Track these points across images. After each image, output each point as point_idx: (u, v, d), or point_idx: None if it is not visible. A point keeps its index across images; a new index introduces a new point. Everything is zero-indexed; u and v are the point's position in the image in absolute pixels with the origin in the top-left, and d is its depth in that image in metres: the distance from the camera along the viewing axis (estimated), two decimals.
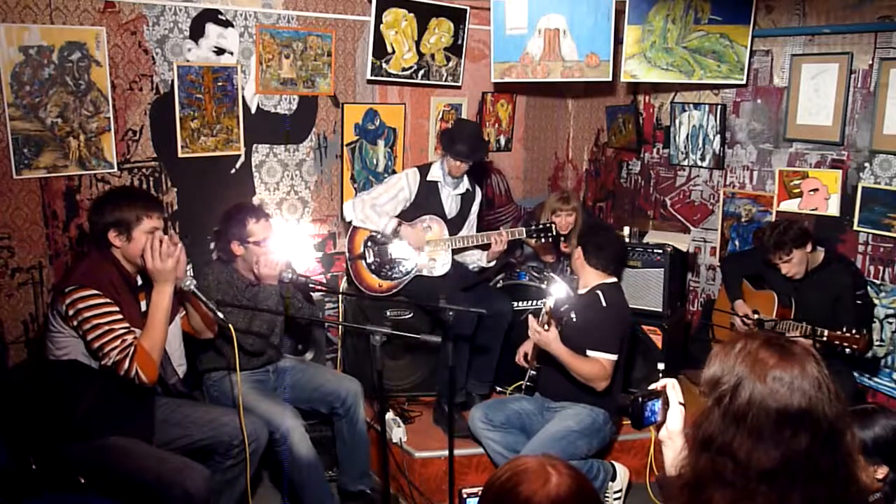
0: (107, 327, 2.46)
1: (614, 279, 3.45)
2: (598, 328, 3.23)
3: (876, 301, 3.71)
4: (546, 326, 3.15)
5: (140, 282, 2.70)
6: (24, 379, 2.81)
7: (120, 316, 2.51)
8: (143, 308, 2.66)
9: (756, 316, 3.70)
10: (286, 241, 3.37)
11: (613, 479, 3.31)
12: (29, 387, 2.71)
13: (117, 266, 2.62)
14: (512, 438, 3.25)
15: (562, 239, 4.13)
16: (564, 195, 4.20)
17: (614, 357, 3.19)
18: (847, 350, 3.23)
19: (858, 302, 3.55)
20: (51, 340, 2.57)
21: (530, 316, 3.29)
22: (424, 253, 3.76)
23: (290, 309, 3.30)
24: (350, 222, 3.81)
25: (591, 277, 3.39)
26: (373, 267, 3.77)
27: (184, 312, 2.87)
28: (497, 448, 3.24)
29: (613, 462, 3.42)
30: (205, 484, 2.56)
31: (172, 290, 2.59)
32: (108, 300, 2.50)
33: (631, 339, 3.54)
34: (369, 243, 3.78)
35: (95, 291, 2.48)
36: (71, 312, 2.47)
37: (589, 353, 3.20)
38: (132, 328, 2.53)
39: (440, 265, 3.78)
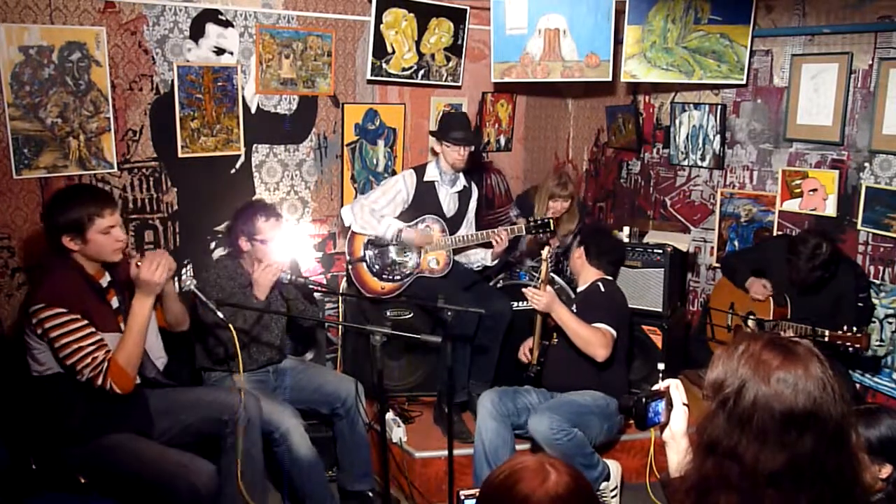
0: (75, 346, 2.41)
1: (611, 278, 3.60)
2: (597, 307, 3.36)
3: (876, 301, 3.72)
4: (544, 286, 3.30)
5: (108, 280, 2.64)
6: (22, 383, 2.80)
7: (89, 330, 2.45)
8: (115, 305, 2.62)
9: (753, 317, 3.70)
10: (288, 245, 3.36)
11: (607, 478, 3.31)
12: (25, 393, 2.69)
13: (80, 272, 2.54)
14: (502, 438, 3.26)
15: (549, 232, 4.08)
16: (563, 180, 4.13)
17: (614, 332, 3.28)
18: (850, 349, 3.25)
19: (860, 304, 3.55)
20: (32, 357, 2.52)
21: (525, 290, 3.36)
22: (426, 252, 3.75)
23: (292, 311, 3.30)
24: (349, 227, 3.80)
25: (590, 275, 3.54)
26: (374, 269, 3.76)
27: (158, 305, 2.79)
28: (485, 438, 3.26)
29: (606, 460, 3.41)
30: (211, 479, 2.54)
31: (153, 303, 2.54)
32: (75, 315, 2.43)
33: (630, 335, 3.58)
34: (369, 246, 3.78)
35: (61, 309, 2.41)
36: (39, 332, 2.42)
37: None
38: (105, 337, 2.48)
39: (441, 266, 3.78)
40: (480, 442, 3.27)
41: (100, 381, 2.42)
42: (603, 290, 3.45)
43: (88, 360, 2.42)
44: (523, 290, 3.38)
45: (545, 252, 3.38)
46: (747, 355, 1.38)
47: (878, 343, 3.71)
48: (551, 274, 3.97)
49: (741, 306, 3.86)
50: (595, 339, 3.22)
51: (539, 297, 3.28)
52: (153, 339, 2.79)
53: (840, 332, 3.27)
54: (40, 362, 2.51)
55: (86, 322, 2.46)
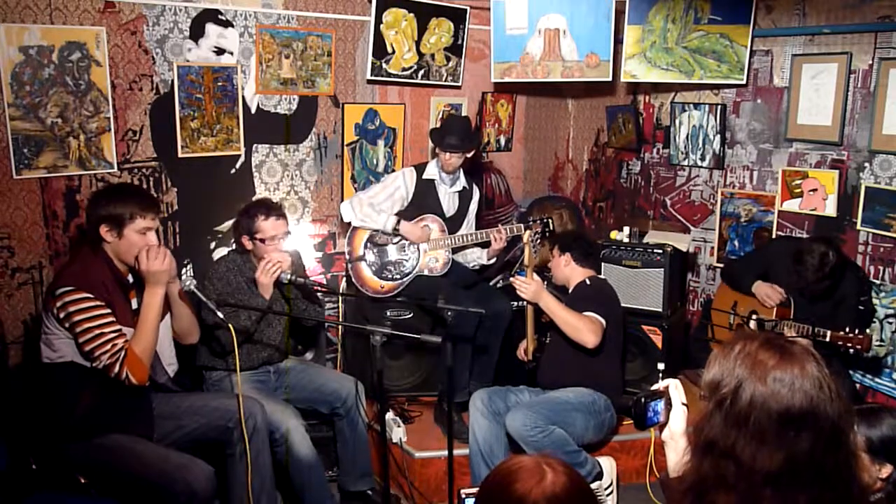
0: (97, 331, 2.45)
1: (600, 275, 3.67)
2: (585, 299, 3.38)
3: (876, 301, 3.71)
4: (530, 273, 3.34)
5: (131, 279, 2.68)
6: (24, 379, 2.81)
7: (111, 318, 2.49)
8: (135, 306, 2.65)
9: (755, 317, 3.70)
10: (289, 245, 3.36)
11: (599, 477, 3.30)
12: (28, 387, 2.70)
13: (109, 264, 2.60)
14: (495, 436, 3.26)
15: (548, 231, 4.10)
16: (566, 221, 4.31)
17: (603, 320, 3.28)
18: (851, 350, 3.24)
19: (861, 308, 3.54)
20: (46, 343, 2.55)
21: (512, 279, 3.39)
22: (425, 251, 3.76)
23: (293, 311, 3.30)
24: (349, 223, 3.80)
25: (577, 276, 3.54)
26: (374, 268, 3.77)
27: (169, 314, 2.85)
28: (479, 437, 3.26)
29: (599, 458, 3.41)
30: (209, 481, 2.55)
31: (164, 293, 2.58)
32: (100, 302, 2.48)
33: (623, 332, 3.58)
34: (369, 244, 3.78)
35: (86, 294, 2.46)
36: (62, 315, 2.45)
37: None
38: (123, 330, 2.52)
39: (440, 264, 3.79)
40: (475, 441, 3.27)
41: (116, 369, 2.45)
42: (590, 283, 3.47)
43: (108, 346, 2.45)
44: (510, 279, 3.38)
45: (526, 236, 3.38)
46: (743, 355, 1.38)
47: (878, 343, 3.71)
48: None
49: (744, 306, 3.85)
50: (583, 326, 3.21)
51: (526, 286, 3.29)
52: (166, 345, 2.80)
53: (842, 333, 3.27)
54: (54, 349, 2.53)
55: (109, 311, 2.50)
